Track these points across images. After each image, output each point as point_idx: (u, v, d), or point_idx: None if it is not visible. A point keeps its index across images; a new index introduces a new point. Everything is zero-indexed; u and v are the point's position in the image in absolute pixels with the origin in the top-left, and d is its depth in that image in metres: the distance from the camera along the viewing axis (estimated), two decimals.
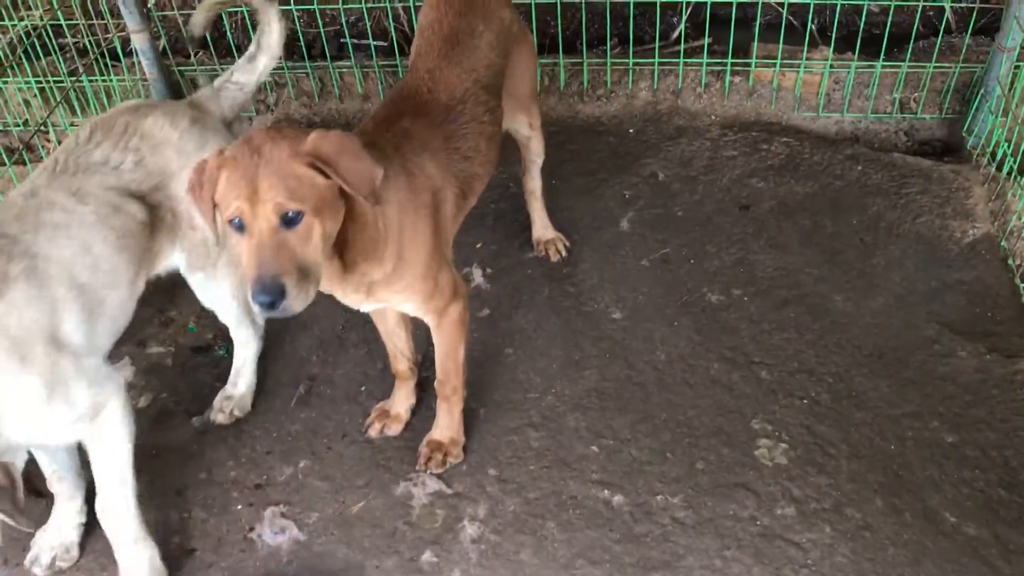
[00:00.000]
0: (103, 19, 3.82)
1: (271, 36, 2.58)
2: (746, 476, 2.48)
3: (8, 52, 3.80)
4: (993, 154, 3.34)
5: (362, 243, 2.04)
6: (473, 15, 2.49)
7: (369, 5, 3.95)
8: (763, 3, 3.71)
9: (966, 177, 3.37)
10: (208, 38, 3.96)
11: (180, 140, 2.36)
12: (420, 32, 2.54)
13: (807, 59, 3.64)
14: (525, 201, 3.14)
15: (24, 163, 3.60)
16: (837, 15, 3.65)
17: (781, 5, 3.79)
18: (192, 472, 2.63)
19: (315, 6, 3.76)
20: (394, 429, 2.67)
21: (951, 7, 3.91)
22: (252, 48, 2.60)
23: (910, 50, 3.65)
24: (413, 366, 2.66)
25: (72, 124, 3.82)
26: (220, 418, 2.75)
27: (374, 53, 3.88)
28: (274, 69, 3.75)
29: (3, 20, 3.76)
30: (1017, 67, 3.32)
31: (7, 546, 2.39)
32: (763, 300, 2.98)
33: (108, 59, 3.76)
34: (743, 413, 2.64)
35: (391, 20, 3.93)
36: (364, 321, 2.98)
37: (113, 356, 2.43)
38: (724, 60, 3.68)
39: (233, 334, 2.71)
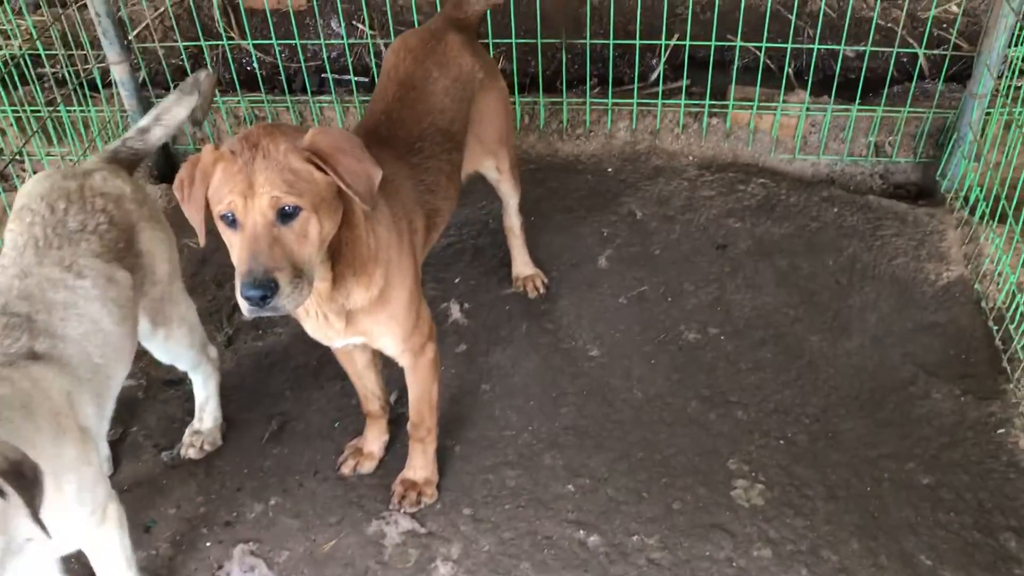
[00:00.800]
0: (83, 49, 3.81)
1: (175, 116, 2.48)
2: (722, 517, 2.46)
3: None
4: (966, 198, 3.38)
5: (352, 257, 2.02)
6: (430, 61, 2.53)
7: (351, 41, 3.96)
8: (741, 46, 3.75)
9: (940, 220, 3.40)
10: (189, 71, 3.96)
11: (132, 192, 2.29)
12: (381, 76, 2.58)
13: (784, 102, 3.68)
14: (505, 237, 3.14)
15: None
16: (814, 59, 3.71)
17: (759, 49, 3.84)
18: (161, 507, 2.58)
19: (296, 41, 3.77)
20: (367, 467, 2.63)
21: (924, 54, 3.98)
22: (147, 120, 2.47)
23: (885, 95, 3.70)
24: (385, 405, 2.64)
25: (48, 154, 3.79)
26: (191, 453, 2.70)
27: (355, 88, 3.88)
28: (254, 102, 3.78)
29: None
30: (988, 113, 3.37)
31: None
32: (740, 339, 2.98)
33: (87, 89, 3.74)
34: (720, 453, 2.63)
35: (372, 56, 3.95)
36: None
37: None
38: (702, 102, 3.72)
39: (191, 376, 2.67)
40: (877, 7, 3.75)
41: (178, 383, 2.92)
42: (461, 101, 2.57)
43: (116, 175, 2.29)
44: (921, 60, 4.06)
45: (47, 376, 1.91)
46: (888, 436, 2.66)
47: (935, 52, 3.98)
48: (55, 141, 3.78)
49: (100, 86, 3.76)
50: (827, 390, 2.80)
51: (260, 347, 3.05)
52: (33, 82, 3.72)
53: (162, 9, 4.14)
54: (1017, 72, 3.30)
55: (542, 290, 3.17)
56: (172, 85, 3.94)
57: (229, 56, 3.93)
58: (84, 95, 3.73)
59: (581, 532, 2.44)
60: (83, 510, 1.93)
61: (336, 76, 3.96)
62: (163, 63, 3.94)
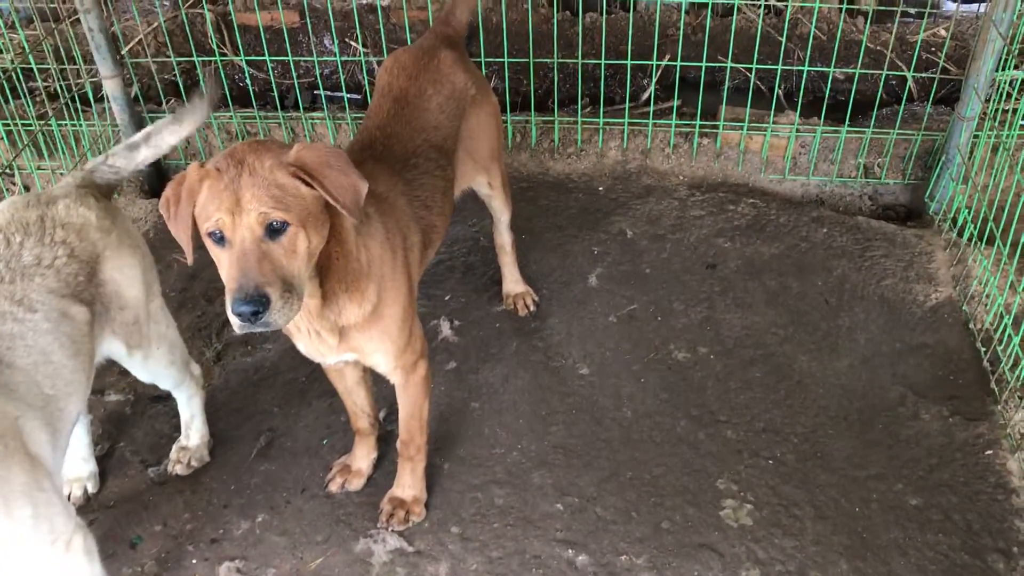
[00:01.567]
0: (75, 64, 3.82)
1: (165, 139, 2.44)
2: (711, 537, 2.46)
3: None
4: (954, 220, 3.40)
5: (343, 273, 2.02)
6: (423, 79, 2.55)
7: (343, 58, 3.98)
8: (731, 68, 3.78)
9: (928, 242, 3.42)
10: (181, 86, 3.96)
11: (99, 220, 2.21)
12: (375, 93, 2.59)
13: (774, 123, 3.71)
14: (495, 255, 3.15)
15: None
16: (804, 81, 3.73)
17: (749, 70, 3.87)
18: (147, 524, 2.55)
19: (289, 57, 3.78)
20: (355, 484, 2.62)
21: (913, 77, 4.02)
22: (138, 138, 2.42)
23: (874, 117, 3.73)
24: (374, 422, 2.63)
25: (39, 168, 3.79)
26: (178, 469, 2.68)
27: (347, 105, 3.89)
28: (246, 118, 3.78)
29: None
30: (976, 136, 3.40)
31: None
32: (729, 359, 2.99)
33: (79, 104, 3.75)
34: (709, 472, 2.63)
35: (365, 73, 3.96)
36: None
37: None
38: (693, 122, 3.74)
39: (175, 395, 2.65)
40: (867, 30, 3.79)
41: (166, 398, 2.90)
42: (454, 118, 2.58)
43: (82, 202, 2.21)
44: (910, 83, 4.10)
45: None
46: (877, 457, 2.66)
47: (924, 75, 4.02)
48: (46, 155, 3.77)
49: (92, 101, 3.76)
50: (816, 410, 2.80)
51: (249, 363, 3.04)
52: (25, 96, 3.72)
53: (155, 24, 4.16)
54: (1004, 95, 3.33)
55: (532, 308, 3.17)
56: (164, 100, 3.95)
57: (222, 72, 3.93)
58: (76, 109, 3.73)
59: (570, 551, 2.43)
60: (41, 540, 1.87)
61: (328, 93, 3.97)
62: (155, 78, 3.94)
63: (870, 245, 3.41)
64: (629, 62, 3.66)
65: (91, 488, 2.63)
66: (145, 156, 2.42)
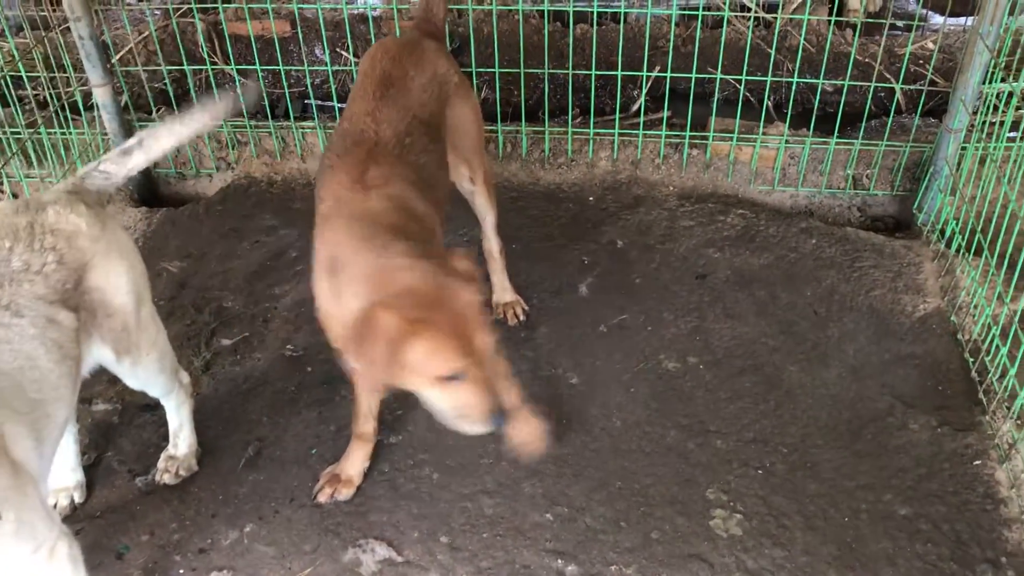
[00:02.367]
0: (65, 72, 3.81)
1: (159, 144, 2.41)
2: (701, 547, 2.46)
3: None
4: (942, 231, 3.42)
5: None
6: (407, 61, 2.61)
7: (335, 68, 3.98)
8: (721, 79, 3.80)
9: (917, 253, 3.44)
10: (171, 95, 3.96)
11: (88, 227, 2.19)
12: (358, 78, 2.64)
13: (763, 135, 3.73)
14: (484, 263, 3.14)
15: None
16: (793, 93, 3.76)
17: (739, 81, 3.89)
18: (134, 534, 2.54)
19: (280, 67, 3.78)
20: (345, 494, 2.61)
21: (901, 89, 4.04)
22: (132, 142, 2.38)
23: (863, 129, 3.75)
24: (377, 428, 2.63)
25: (27, 176, 3.77)
26: (166, 478, 2.67)
27: (338, 115, 3.89)
28: (236, 127, 3.78)
29: None
30: (963, 148, 3.42)
31: None
32: (719, 369, 2.99)
33: (68, 112, 3.74)
34: (698, 482, 2.63)
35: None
36: (317, 383, 2.95)
37: None
38: (682, 133, 3.76)
39: (164, 403, 2.64)
40: (855, 43, 3.82)
41: (154, 408, 2.88)
42: (438, 99, 2.64)
43: (72, 209, 2.20)
44: (898, 95, 4.12)
45: None
46: (866, 467, 2.66)
47: (912, 87, 4.05)
48: (35, 164, 3.76)
49: (82, 109, 3.75)
50: (805, 420, 2.81)
51: (238, 372, 3.03)
52: (14, 104, 3.71)
53: (146, 33, 4.16)
54: (991, 108, 3.36)
55: (522, 317, 3.17)
56: (154, 109, 3.94)
57: (212, 81, 3.93)
58: (66, 118, 3.72)
59: (559, 561, 2.43)
60: (23, 547, 1.85)
61: (319, 102, 3.97)
62: (145, 87, 3.94)
63: (859, 256, 3.43)
64: (619, 73, 3.67)
65: (78, 498, 2.61)
66: (137, 162, 2.40)
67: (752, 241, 3.50)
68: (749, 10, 4.19)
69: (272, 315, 3.22)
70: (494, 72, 3.71)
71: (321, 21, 3.78)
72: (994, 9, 3.12)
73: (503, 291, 3.18)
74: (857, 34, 3.84)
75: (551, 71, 3.76)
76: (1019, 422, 2.70)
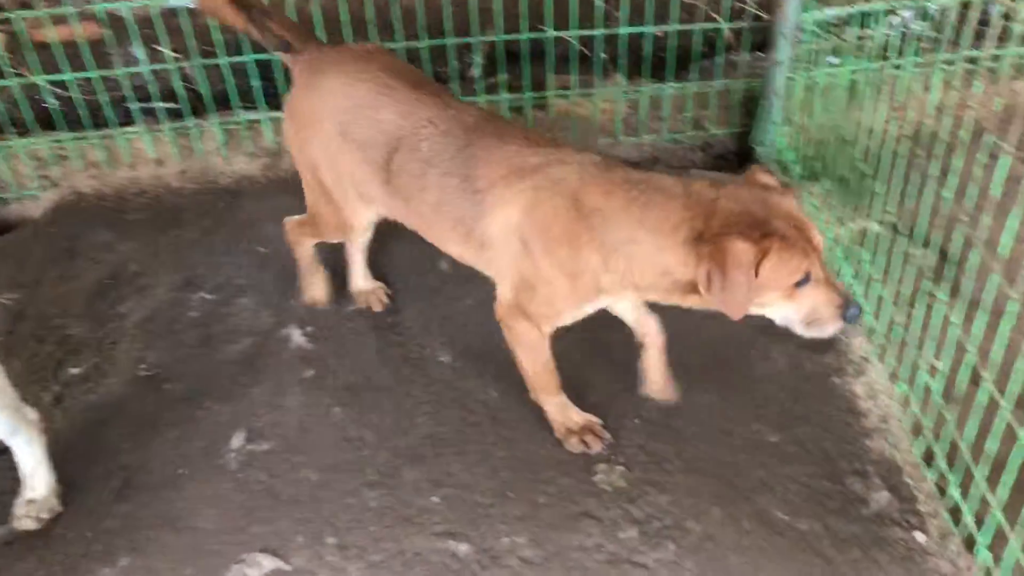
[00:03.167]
0: None
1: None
2: (588, 504, 2.48)
3: None
4: (781, 162, 3.53)
5: None
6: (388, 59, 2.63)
7: (155, 66, 3.77)
8: (554, 36, 3.78)
9: None
10: None
11: None
12: (379, 98, 2.48)
13: (602, 87, 3.74)
14: (343, 251, 3.06)
15: None
16: (624, 42, 3.78)
17: (572, 37, 3.89)
18: None
19: (93, 73, 3.56)
20: (597, 442, 2.62)
21: (727, 27, 4.13)
22: None
23: (696, 71, 3.82)
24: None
25: None
26: (27, 524, 2.50)
27: (164, 115, 3.70)
28: (56, 141, 3.55)
29: None
30: (791, 78, 3.53)
31: None
32: (585, 323, 3.00)
33: None
34: None
35: (178, 80, 3.77)
36: (176, 400, 2.82)
37: None
38: (523, 95, 3.74)
39: (10, 444, 2.47)
40: None
41: (2, 452, 2.70)
42: None
43: None
44: (725, 33, 4.21)
45: None
46: (736, 402, 2.74)
47: (736, 25, 4.13)
48: None
49: None
50: (677, 366, 2.84)
51: (92, 400, 2.86)
52: None
53: None
54: (812, 36, 3.46)
55: (386, 301, 3.11)
56: None
57: (20, 95, 3.66)
58: None
59: (451, 542, 2.41)
60: None
61: (142, 105, 3.76)
62: None
63: None
64: (449, 41, 3.61)
65: None
66: None
67: None
68: None
69: (120, 335, 3.05)
70: None
71: (131, 19, 3.56)
72: None
73: (362, 280, 3.11)
74: None
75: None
76: (869, 336, 2.83)
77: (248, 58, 3.57)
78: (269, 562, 2.38)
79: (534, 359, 2.52)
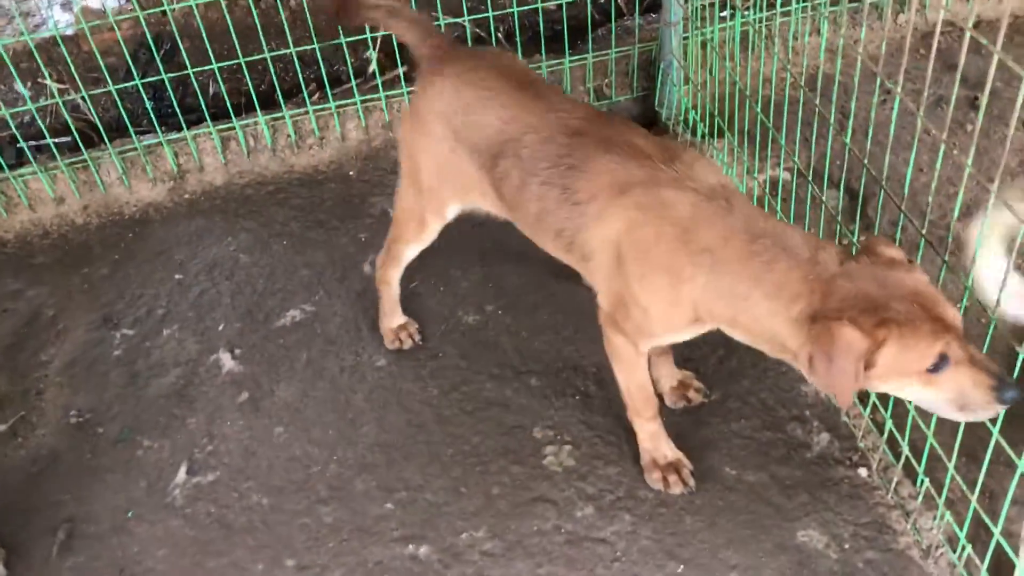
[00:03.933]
0: None
1: None
2: (541, 488, 2.50)
3: None
4: (686, 122, 3.57)
5: None
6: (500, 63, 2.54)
7: (43, 103, 3.64)
8: (446, 23, 3.75)
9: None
10: None
11: None
12: (480, 102, 2.41)
13: None
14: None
15: None
16: (517, 20, 3.77)
17: (465, 22, 3.86)
18: None
19: None
20: (690, 478, 2.50)
21: None
22: None
23: (590, 40, 3.83)
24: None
25: None
26: None
27: (58, 152, 3.57)
28: None
29: None
30: (685, 39, 3.57)
31: None
32: (516, 310, 3.02)
33: None
34: (523, 426, 2.67)
35: (68, 113, 3.64)
36: (112, 442, 2.75)
37: None
38: None
39: None
40: None
41: None
42: None
43: None
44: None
45: None
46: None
47: None
48: None
49: None
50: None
51: (24, 456, 2.77)
52: None
53: None
54: None
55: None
56: None
57: None
58: None
59: (410, 547, 2.41)
60: None
61: (34, 144, 3.63)
62: None
63: None
64: (343, 40, 3.55)
65: None
66: None
67: None
68: None
69: (45, 384, 2.96)
70: (212, 68, 3.49)
71: (3, 54, 3.42)
72: None
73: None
74: None
75: (273, 53, 3.59)
76: None
77: (137, 82, 3.46)
78: None
79: (628, 376, 2.40)
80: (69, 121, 3.57)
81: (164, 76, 3.45)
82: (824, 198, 2.66)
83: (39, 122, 3.61)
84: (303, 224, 3.43)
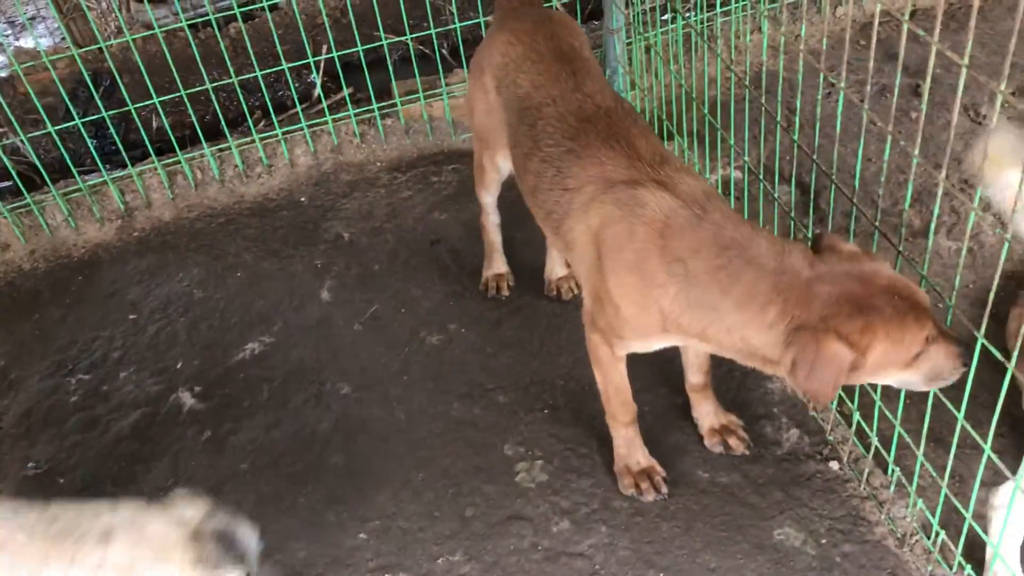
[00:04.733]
0: None
1: None
2: (515, 506, 2.48)
3: None
4: None
5: None
6: (562, 33, 2.56)
7: None
8: (389, 43, 3.73)
9: None
10: None
11: None
12: (512, 69, 2.48)
13: (447, 85, 3.72)
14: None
15: None
16: (459, 35, 3.76)
17: (408, 40, 3.84)
18: None
19: None
20: (663, 485, 2.46)
21: (558, 3, 4.16)
22: None
23: None
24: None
25: None
26: None
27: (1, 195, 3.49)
28: None
29: None
30: (629, 44, 3.58)
31: None
32: (479, 326, 3.00)
33: None
34: (494, 444, 2.64)
35: (7, 157, 3.56)
36: (76, 490, 2.68)
37: None
38: (370, 107, 3.68)
39: None
40: None
41: None
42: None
43: None
44: (557, 8, 4.23)
45: None
46: (639, 372, 2.71)
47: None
48: None
49: None
50: (569, 346, 2.87)
51: None
52: None
53: None
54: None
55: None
56: None
57: None
58: None
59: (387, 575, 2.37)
60: None
61: None
62: None
63: None
64: (285, 66, 3.51)
65: None
66: None
67: (471, 193, 3.50)
68: None
69: (0, 437, 2.88)
70: (154, 102, 3.43)
71: None
72: None
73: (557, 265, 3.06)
74: None
75: (215, 84, 3.54)
76: None
77: (77, 121, 3.39)
78: None
79: (604, 377, 2.36)
80: (9, 165, 3.50)
81: (104, 114, 3.39)
82: (776, 194, 2.67)
83: None
84: (256, 254, 3.38)
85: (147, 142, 3.55)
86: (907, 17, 1.72)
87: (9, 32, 5.05)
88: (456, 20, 3.70)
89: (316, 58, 3.73)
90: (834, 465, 2.47)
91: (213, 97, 3.54)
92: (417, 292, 3.15)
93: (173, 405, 2.86)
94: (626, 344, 2.25)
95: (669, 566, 2.30)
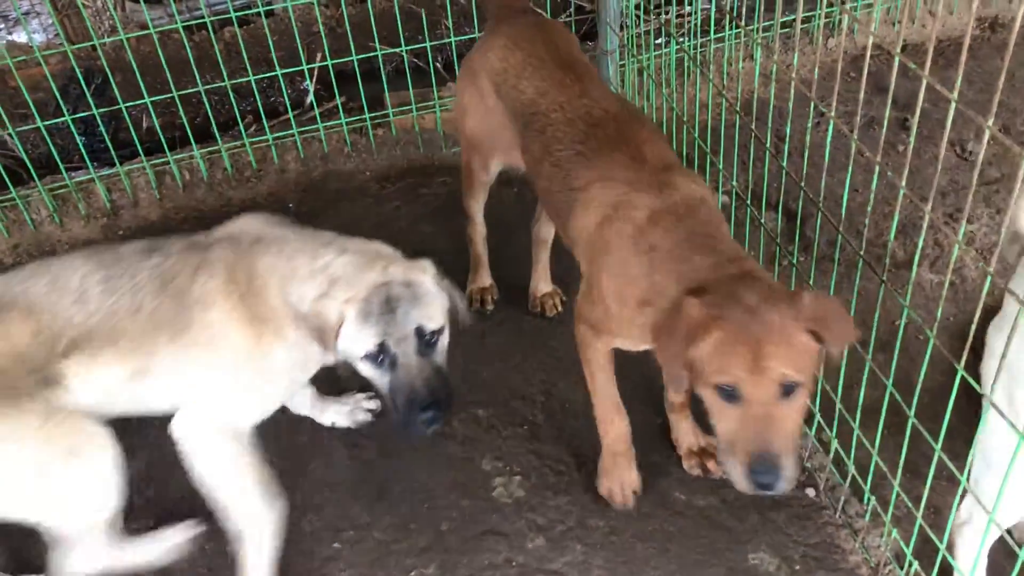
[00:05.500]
0: None
1: None
2: (491, 521, 2.47)
3: None
4: None
5: None
6: (558, 39, 2.60)
7: None
8: (383, 54, 3.73)
9: None
10: None
11: None
12: (511, 77, 2.52)
13: (440, 97, 3.72)
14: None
15: None
16: (454, 49, 3.77)
17: (404, 52, 3.85)
18: None
19: None
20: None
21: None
22: None
23: None
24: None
25: None
26: None
27: None
28: None
29: None
30: (622, 66, 3.60)
31: None
32: (462, 339, 2.98)
33: None
34: (472, 459, 2.63)
35: None
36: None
37: None
38: (362, 116, 3.68)
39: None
40: None
41: None
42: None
43: None
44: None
45: None
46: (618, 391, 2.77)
47: (563, 19, 4.18)
48: None
49: None
50: (551, 363, 2.88)
51: None
52: None
53: None
54: (635, 22, 3.54)
55: (560, 309, 3.08)
56: None
57: None
58: None
59: None
60: None
61: None
62: None
63: None
64: (279, 72, 3.51)
65: None
66: None
67: (459, 205, 3.50)
68: None
69: None
70: (146, 102, 3.42)
71: None
72: None
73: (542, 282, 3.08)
74: None
75: (208, 87, 3.53)
76: None
77: (67, 117, 3.38)
78: None
79: (590, 371, 2.39)
80: None
81: (95, 111, 3.38)
82: (763, 220, 2.69)
83: None
84: None
85: (136, 141, 3.54)
86: (899, 51, 1.75)
87: (2, 26, 5.03)
88: (452, 34, 3.71)
89: (310, 65, 3.73)
90: (811, 492, 2.47)
91: (205, 100, 3.53)
92: None
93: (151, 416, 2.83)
94: (612, 338, 2.30)
95: None
